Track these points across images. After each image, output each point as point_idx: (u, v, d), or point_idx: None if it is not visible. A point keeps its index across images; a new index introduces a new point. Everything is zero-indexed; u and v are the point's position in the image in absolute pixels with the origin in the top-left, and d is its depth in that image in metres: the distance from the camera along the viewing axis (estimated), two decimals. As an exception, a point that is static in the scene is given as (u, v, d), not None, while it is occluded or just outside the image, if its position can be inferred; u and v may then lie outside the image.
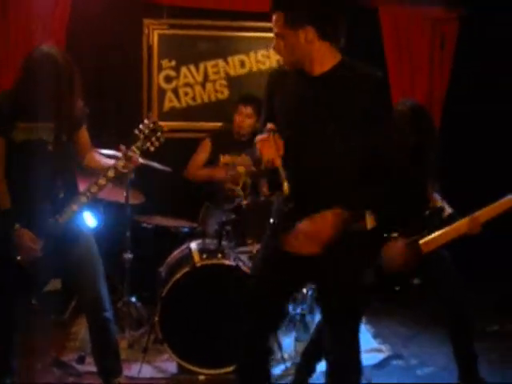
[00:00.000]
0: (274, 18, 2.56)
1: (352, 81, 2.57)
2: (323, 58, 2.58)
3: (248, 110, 4.85)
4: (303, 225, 2.55)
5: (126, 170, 3.30)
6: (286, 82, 2.68)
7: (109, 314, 3.40)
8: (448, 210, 3.55)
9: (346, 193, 2.57)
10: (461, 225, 3.40)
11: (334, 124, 2.55)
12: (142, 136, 3.27)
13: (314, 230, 2.53)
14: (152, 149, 3.30)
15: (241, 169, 4.93)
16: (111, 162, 3.43)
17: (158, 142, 3.29)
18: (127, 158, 3.26)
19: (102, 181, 3.28)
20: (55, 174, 3.32)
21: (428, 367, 4.17)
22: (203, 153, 4.99)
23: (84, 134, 3.51)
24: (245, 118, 4.87)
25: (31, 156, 3.26)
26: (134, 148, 3.27)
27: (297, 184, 2.54)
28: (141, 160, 3.39)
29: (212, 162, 4.97)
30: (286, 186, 2.49)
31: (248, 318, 2.83)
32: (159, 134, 3.29)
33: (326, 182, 2.61)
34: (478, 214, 3.39)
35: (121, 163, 3.26)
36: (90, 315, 3.42)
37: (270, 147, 2.54)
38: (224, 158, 4.95)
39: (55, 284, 4.57)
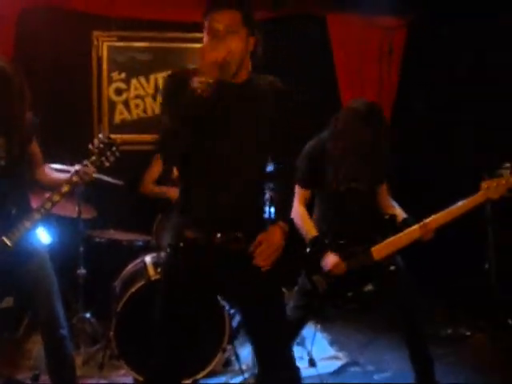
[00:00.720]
0: (227, 15, 2.48)
1: (264, 90, 2.64)
2: (247, 67, 2.62)
3: None
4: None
5: (79, 185, 3.28)
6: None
7: (64, 332, 3.34)
8: (402, 216, 3.59)
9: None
10: (413, 231, 3.44)
11: (255, 131, 2.61)
12: (96, 151, 3.24)
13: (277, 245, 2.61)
14: (107, 164, 3.28)
15: None
16: (62, 176, 3.39)
17: (113, 156, 3.27)
18: (81, 174, 3.23)
19: (56, 197, 3.23)
20: (7, 190, 3.25)
21: (385, 372, 4.21)
22: (156, 166, 4.98)
23: (35, 148, 3.44)
24: None
25: None
26: (88, 163, 3.24)
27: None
28: (94, 175, 3.35)
29: (166, 174, 4.95)
30: None
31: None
32: (114, 148, 3.27)
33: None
34: (429, 219, 3.44)
35: (75, 178, 3.22)
36: (46, 333, 3.35)
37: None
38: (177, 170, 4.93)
39: (7, 301, 4.48)
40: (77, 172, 3.23)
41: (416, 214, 3.53)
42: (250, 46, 2.56)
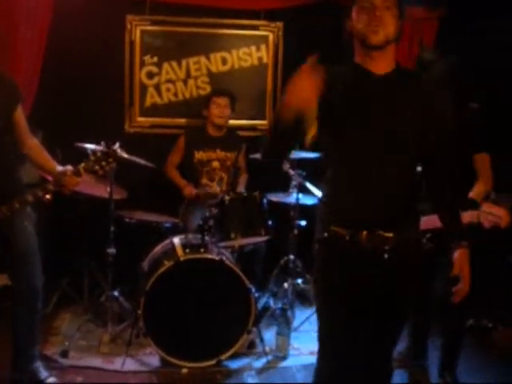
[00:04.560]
0: None
1: (412, 80, 2.53)
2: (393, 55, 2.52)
3: (224, 100, 4.97)
4: None
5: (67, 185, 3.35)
6: (345, 76, 2.52)
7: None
8: None
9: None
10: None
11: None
12: (92, 158, 3.32)
13: None
14: (100, 172, 3.36)
15: (216, 164, 5.00)
16: (50, 160, 3.47)
17: (108, 166, 3.35)
18: (74, 173, 3.31)
19: (39, 192, 3.30)
20: None
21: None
22: (177, 152, 5.12)
23: (21, 116, 3.44)
24: (223, 108, 4.95)
25: None
26: (80, 167, 3.32)
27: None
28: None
29: (187, 158, 5.03)
30: (309, 137, 2.30)
31: None
32: (111, 159, 3.35)
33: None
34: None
35: (50, 186, 3.31)
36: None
37: (309, 83, 2.23)
38: (198, 154, 5.01)
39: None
40: (55, 180, 3.31)
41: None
42: (398, 29, 2.44)
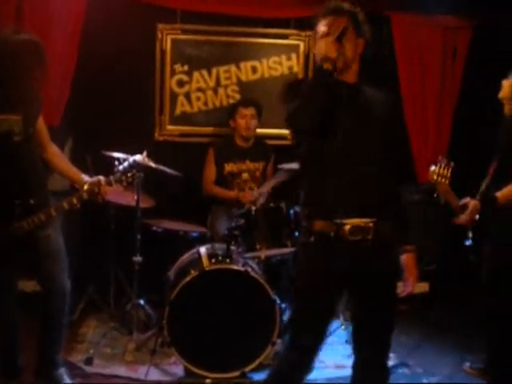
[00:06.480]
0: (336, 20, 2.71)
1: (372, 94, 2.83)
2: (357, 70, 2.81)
3: (251, 110, 4.93)
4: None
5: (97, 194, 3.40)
6: None
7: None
8: None
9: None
10: None
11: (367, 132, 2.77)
12: (121, 168, 3.41)
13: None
14: (124, 183, 3.44)
15: (245, 176, 4.98)
16: (71, 168, 3.52)
17: (131, 178, 3.44)
18: (106, 183, 3.37)
19: (74, 200, 3.35)
20: (25, 170, 3.33)
21: (434, 376, 4.17)
22: (210, 166, 5.06)
23: (42, 123, 3.48)
24: (250, 119, 4.92)
25: (4, 150, 3.26)
26: (111, 178, 3.39)
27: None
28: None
29: (218, 171, 5.02)
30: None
31: None
32: (135, 171, 3.45)
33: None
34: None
35: (85, 195, 3.37)
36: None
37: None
38: (228, 166, 4.99)
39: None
40: (89, 189, 3.37)
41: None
42: (358, 48, 2.77)
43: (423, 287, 5.40)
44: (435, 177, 3.60)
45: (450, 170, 3.61)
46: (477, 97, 5.39)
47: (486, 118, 5.34)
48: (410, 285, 2.89)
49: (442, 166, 3.61)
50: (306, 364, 2.91)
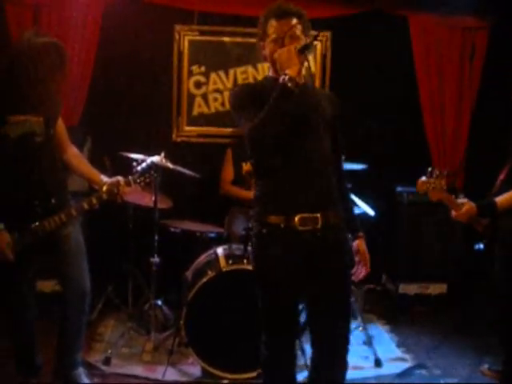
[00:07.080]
0: (294, 21, 2.81)
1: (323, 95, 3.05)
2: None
3: None
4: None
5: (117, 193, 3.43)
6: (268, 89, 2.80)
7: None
8: None
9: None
10: None
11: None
12: (139, 169, 3.44)
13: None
14: (142, 184, 3.47)
15: None
16: (91, 169, 3.55)
17: (149, 178, 3.48)
18: (126, 183, 3.40)
19: (94, 200, 3.38)
20: (46, 171, 3.35)
21: (452, 378, 4.14)
22: (228, 166, 5.06)
23: (62, 125, 3.51)
24: None
25: (26, 151, 3.29)
26: (130, 178, 3.42)
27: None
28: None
29: (236, 171, 5.02)
30: None
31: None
32: (153, 172, 3.48)
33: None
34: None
35: (104, 196, 3.40)
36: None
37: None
38: (246, 166, 4.99)
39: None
40: (109, 190, 3.39)
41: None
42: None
43: (441, 288, 5.36)
44: (425, 187, 3.55)
45: (443, 179, 3.54)
46: (495, 98, 5.36)
47: (504, 119, 5.35)
48: (362, 269, 2.96)
49: (434, 175, 3.54)
50: (285, 359, 3.04)
